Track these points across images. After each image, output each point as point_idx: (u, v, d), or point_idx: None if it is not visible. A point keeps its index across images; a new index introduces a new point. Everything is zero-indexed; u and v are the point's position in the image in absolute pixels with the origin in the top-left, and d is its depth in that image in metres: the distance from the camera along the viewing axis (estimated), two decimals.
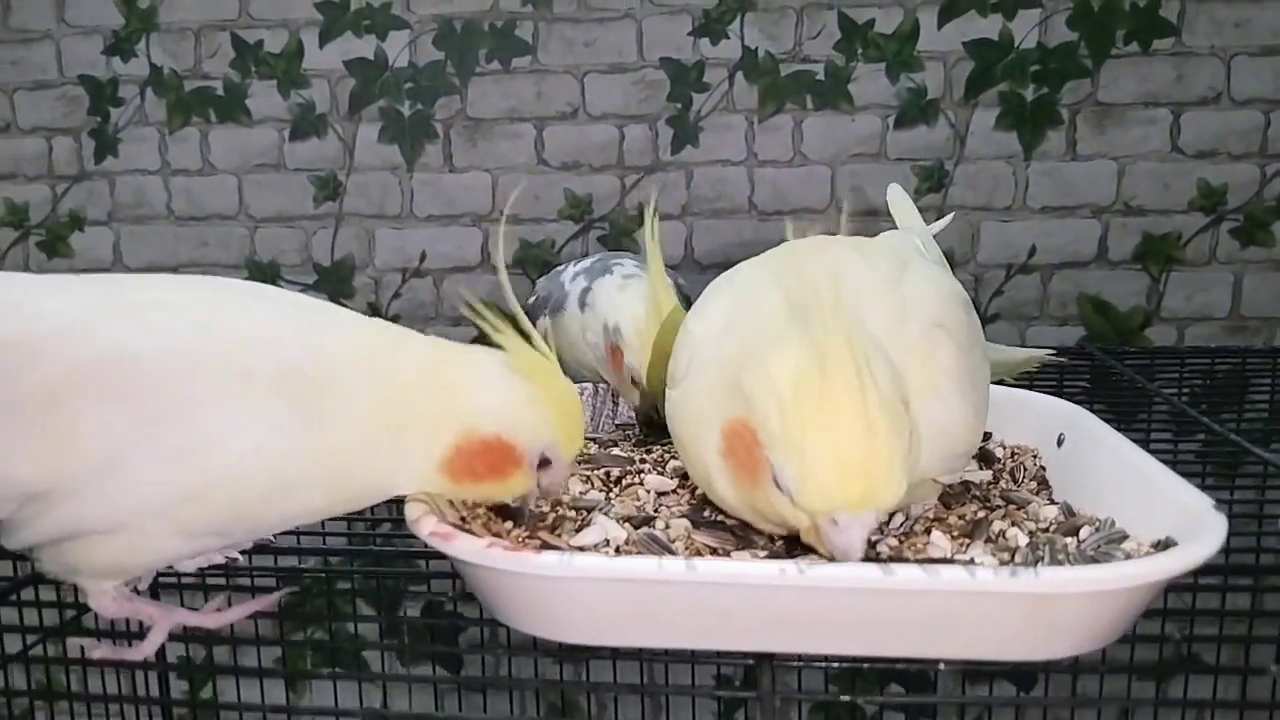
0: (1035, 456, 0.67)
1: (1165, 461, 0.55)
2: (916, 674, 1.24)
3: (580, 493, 0.61)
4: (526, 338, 0.53)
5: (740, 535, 0.55)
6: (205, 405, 0.47)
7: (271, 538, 0.62)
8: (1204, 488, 0.51)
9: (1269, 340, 1.44)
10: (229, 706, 0.63)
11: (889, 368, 0.47)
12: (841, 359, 0.44)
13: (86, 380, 0.46)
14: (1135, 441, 0.59)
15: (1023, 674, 1.25)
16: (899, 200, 0.79)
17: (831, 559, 0.46)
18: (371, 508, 0.78)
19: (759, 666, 0.49)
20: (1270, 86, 1.40)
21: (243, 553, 0.62)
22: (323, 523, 0.68)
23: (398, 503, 0.59)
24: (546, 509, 0.58)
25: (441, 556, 0.49)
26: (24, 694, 0.59)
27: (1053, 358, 0.99)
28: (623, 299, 0.78)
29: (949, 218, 0.86)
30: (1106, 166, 1.45)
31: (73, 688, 0.97)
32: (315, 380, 0.49)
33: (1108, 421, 0.63)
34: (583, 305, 0.81)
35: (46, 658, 0.62)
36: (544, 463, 0.54)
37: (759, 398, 0.46)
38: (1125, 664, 0.58)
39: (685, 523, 0.56)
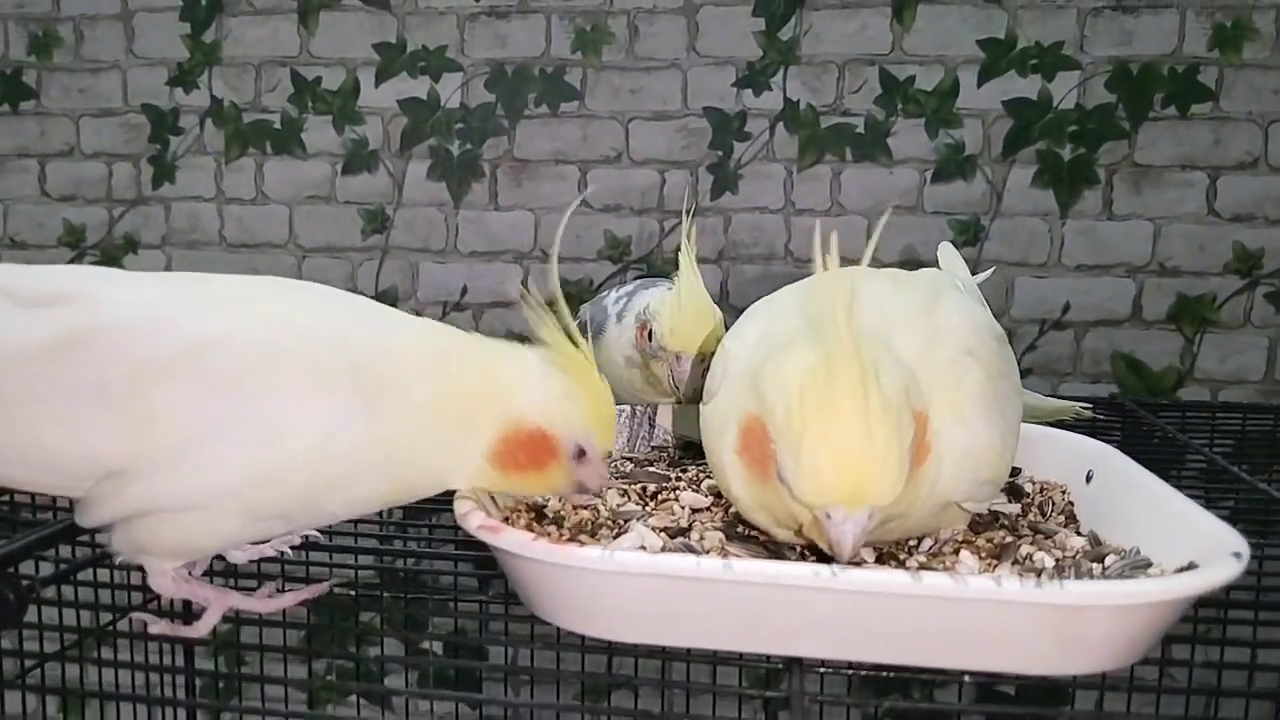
0: (1064, 492, 0.68)
1: None
2: (935, 692, 1.25)
3: (618, 505, 0.63)
4: (568, 334, 0.55)
5: (773, 550, 0.57)
6: (283, 394, 0.50)
7: (319, 535, 0.65)
8: None
9: None
10: (253, 710, 0.65)
11: (901, 380, 0.49)
12: (848, 364, 0.46)
13: (171, 365, 0.49)
14: None
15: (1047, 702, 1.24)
16: (949, 258, 0.81)
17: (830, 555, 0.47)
18: (403, 532, 0.80)
19: (789, 669, 0.50)
20: None
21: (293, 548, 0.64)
22: (357, 541, 0.71)
23: (434, 510, 0.61)
24: (586, 514, 0.60)
25: (475, 563, 0.51)
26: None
27: (1086, 409, 1.00)
28: (656, 293, 0.83)
29: (990, 270, 0.88)
30: (1142, 227, 1.47)
31: (105, 684, 1.00)
32: (382, 376, 0.52)
33: None
34: (620, 318, 0.84)
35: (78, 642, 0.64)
36: (580, 455, 0.56)
37: (770, 393, 0.49)
38: (1154, 685, 0.59)
39: (719, 535, 0.58)
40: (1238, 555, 0.47)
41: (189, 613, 0.60)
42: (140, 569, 0.55)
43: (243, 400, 0.50)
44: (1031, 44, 1.46)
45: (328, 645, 1.07)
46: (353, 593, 0.62)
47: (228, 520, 0.51)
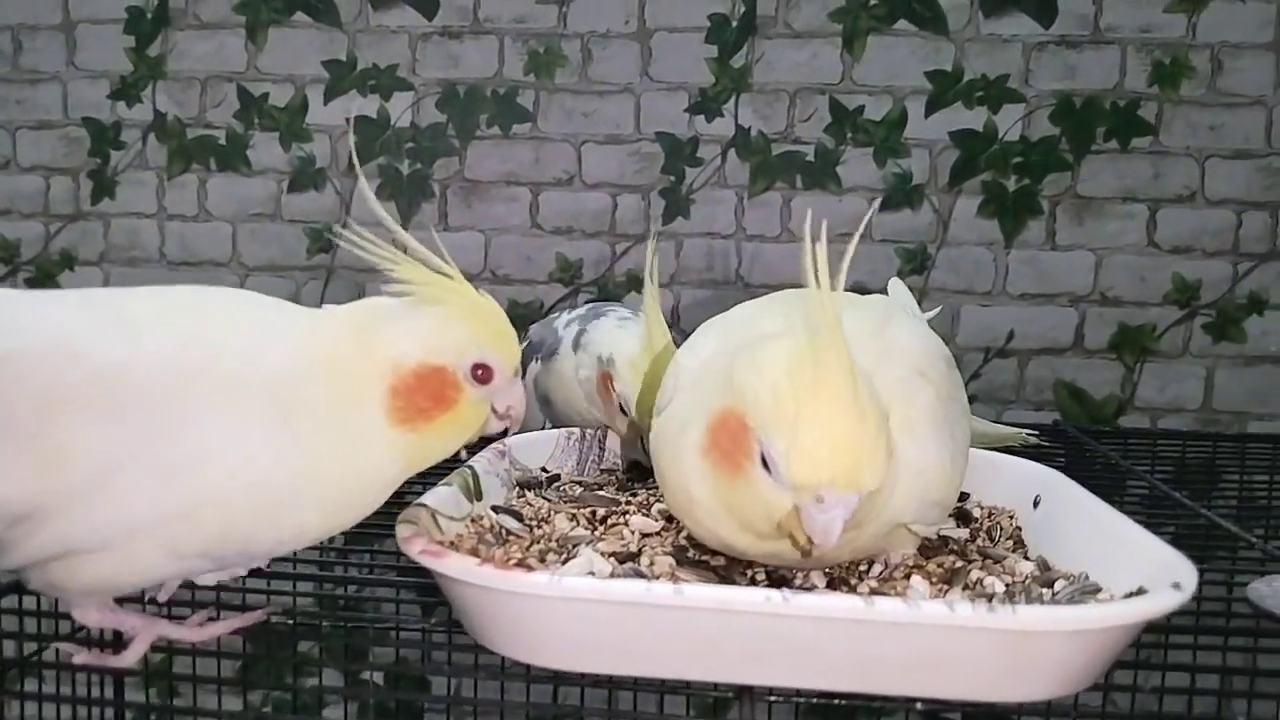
0: (1011, 517, 0.69)
1: None
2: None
3: (567, 530, 0.62)
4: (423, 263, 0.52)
5: (724, 576, 0.56)
6: (196, 421, 0.47)
7: (266, 565, 0.62)
8: None
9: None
10: None
11: (868, 379, 0.49)
12: (836, 351, 0.46)
13: (77, 397, 0.46)
14: None
15: None
16: (899, 293, 0.82)
17: (809, 544, 0.47)
18: (344, 558, 0.78)
19: (739, 698, 0.49)
20: (1243, 188, 1.46)
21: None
22: (295, 567, 0.68)
23: (376, 535, 0.60)
24: (528, 543, 0.59)
25: (417, 590, 0.49)
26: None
27: (1032, 436, 1.01)
28: (619, 334, 0.80)
29: (937, 310, 0.89)
30: (1084, 257, 1.50)
31: (28, 718, 0.96)
32: (293, 388, 0.49)
33: None
34: (577, 346, 0.83)
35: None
36: (486, 377, 0.52)
37: (749, 384, 0.48)
38: (1098, 711, 0.59)
39: (669, 560, 0.57)
40: (1178, 586, 0.47)
41: (119, 641, 0.58)
42: None
43: (154, 429, 0.46)
44: (978, 76, 1.48)
45: (264, 676, 1.04)
46: (290, 621, 0.60)
47: (146, 558, 0.48)
